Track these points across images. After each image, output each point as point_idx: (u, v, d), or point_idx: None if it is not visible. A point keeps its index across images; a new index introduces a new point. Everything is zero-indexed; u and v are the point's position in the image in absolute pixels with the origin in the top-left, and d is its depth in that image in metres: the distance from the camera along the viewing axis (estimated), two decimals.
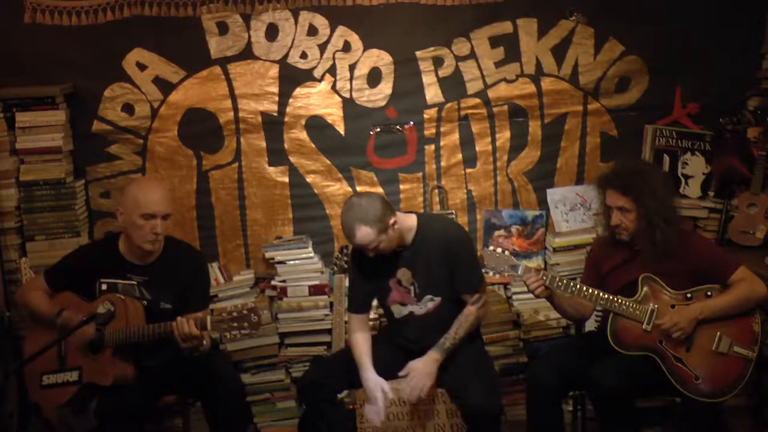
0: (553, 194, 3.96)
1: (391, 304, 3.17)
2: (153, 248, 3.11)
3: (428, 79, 3.84)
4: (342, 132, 3.88)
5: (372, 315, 3.49)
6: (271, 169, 3.91)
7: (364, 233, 2.90)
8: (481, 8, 3.78)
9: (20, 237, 3.68)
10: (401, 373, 3.00)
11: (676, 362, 2.97)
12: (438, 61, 3.83)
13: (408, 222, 3.08)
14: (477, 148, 3.94)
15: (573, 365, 3.10)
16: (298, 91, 3.84)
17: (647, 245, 3.05)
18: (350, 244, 3.04)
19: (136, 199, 3.04)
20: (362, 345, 3.11)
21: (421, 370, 2.98)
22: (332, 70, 3.82)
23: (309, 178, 3.93)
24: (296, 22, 3.77)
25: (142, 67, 3.76)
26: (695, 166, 3.86)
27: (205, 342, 3.04)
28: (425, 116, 3.88)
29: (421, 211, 3.91)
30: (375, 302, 3.28)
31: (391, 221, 2.95)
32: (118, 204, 3.17)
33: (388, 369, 3.07)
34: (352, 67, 3.82)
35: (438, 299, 3.11)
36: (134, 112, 3.80)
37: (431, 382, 2.99)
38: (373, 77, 3.84)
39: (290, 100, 3.84)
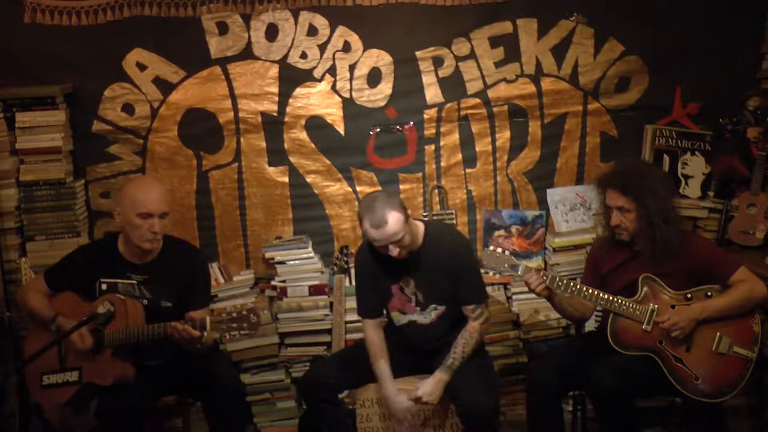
0: (553, 194, 3.96)
1: (391, 310, 3.17)
2: (151, 247, 3.12)
3: (428, 79, 3.84)
4: (342, 132, 3.88)
5: None
6: (271, 169, 3.91)
7: (396, 218, 2.87)
8: (481, 8, 3.77)
9: (20, 237, 3.67)
10: (410, 399, 3.03)
11: (676, 362, 2.98)
12: (438, 61, 3.82)
13: (416, 227, 3.06)
14: (477, 148, 3.94)
15: (573, 365, 3.10)
16: (298, 91, 3.83)
17: (647, 245, 3.05)
18: (374, 240, 2.92)
19: (132, 199, 3.04)
20: (385, 368, 3.09)
21: (430, 398, 3.00)
22: (332, 70, 3.82)
23: (309, 178, 3.93)
24: (296, 22, 3.76)
25: (142, 67, 3.76)
26: (695, 166, 3.86)
27: (205, 333, 2.99)
28: (425, 116, 3.88)
29: (421, 211, 3.91)
30: None
31: (409, 212, 2.96)
32: (115, 204, 3.17)
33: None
34: (352, 67, 3.82)
35: (442, 307, 3.11)
36: (134, 112, 3.80)
37: (437, 402, 3.02)
38: (373, 77, 3.84)
39: (290, 100, 3.84)
